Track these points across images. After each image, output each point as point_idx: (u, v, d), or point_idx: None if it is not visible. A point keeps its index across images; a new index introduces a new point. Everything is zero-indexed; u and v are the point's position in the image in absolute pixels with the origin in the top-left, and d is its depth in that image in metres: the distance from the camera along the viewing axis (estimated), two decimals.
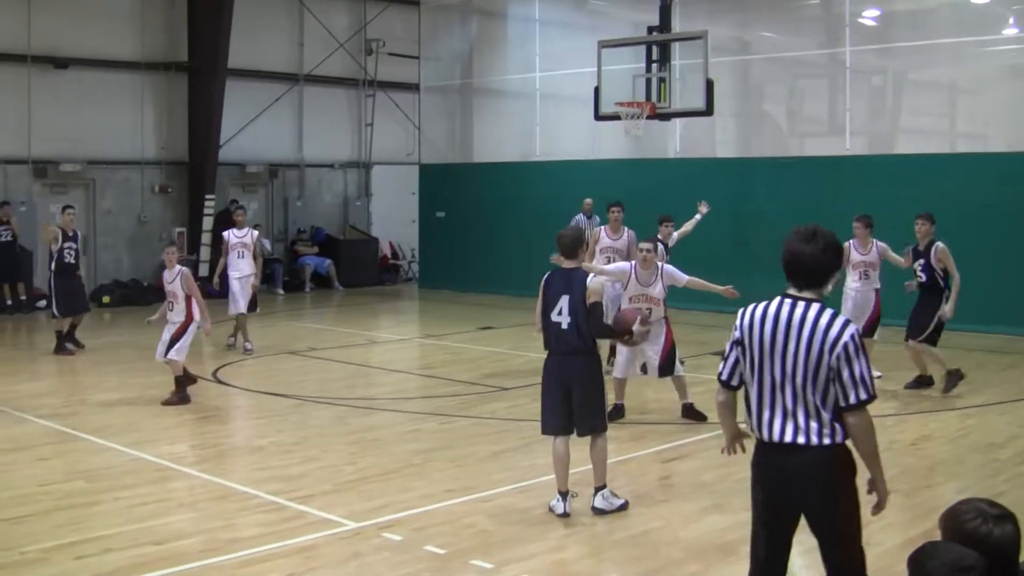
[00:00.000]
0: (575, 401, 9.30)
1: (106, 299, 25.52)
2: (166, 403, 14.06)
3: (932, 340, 14.71)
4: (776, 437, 5.68)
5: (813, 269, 5.70)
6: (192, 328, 14.45)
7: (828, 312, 5.64)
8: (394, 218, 32.47)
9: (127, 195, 27.32)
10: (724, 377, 5.99)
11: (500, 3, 30.52)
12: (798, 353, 5.60)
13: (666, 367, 12.95)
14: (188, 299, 14.43)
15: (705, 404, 12.65)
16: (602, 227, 16.57)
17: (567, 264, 9.57)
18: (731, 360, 5.94)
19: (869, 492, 5.74)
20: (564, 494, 9.40)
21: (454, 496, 9.96)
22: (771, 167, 23.96)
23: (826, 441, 5.59)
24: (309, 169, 31.46)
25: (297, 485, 10.32)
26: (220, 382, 15.84)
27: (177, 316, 14.41)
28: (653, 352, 12.83)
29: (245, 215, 19.74)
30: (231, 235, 18.95)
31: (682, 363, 13.37)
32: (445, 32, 31.37)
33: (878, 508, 5.76)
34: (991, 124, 22.04)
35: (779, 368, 5.66)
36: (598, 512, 9.40)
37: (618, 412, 12.92)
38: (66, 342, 18.43)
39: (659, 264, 13.10)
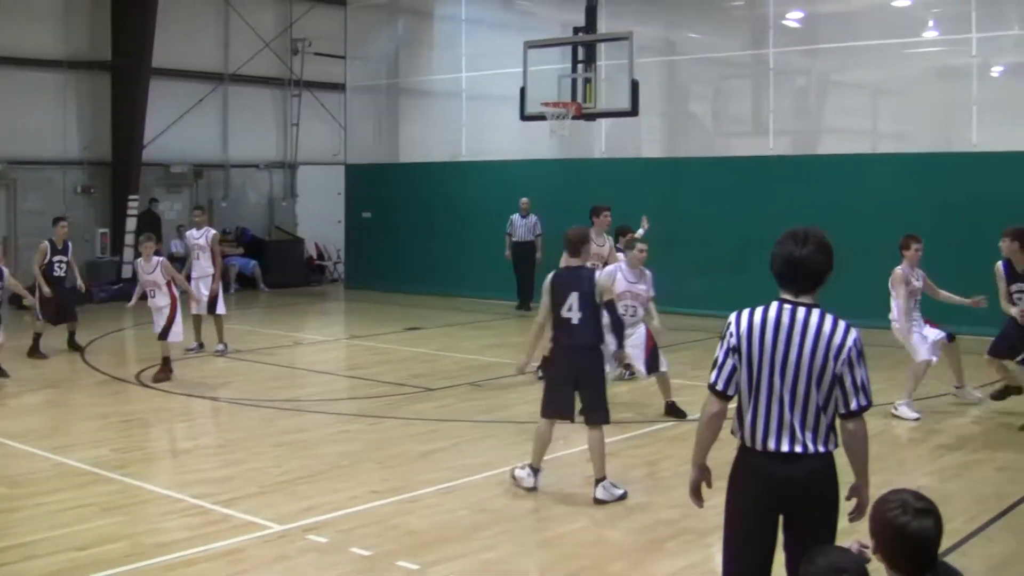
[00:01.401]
0: (584, 392, 9.87)
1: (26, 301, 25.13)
2: (156, 380, 15.63)
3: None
4: (772, 447, 5.50)
5: (809, 273, 5.55)
6: (179, 309, 16.23)
7: (830, 317, 5.52)
8: (320, 219, 32.28)
9: (49, 196, 26.88)
10: (720, 387, 5.62)
11: (427, 3, 30.47)
12: (801, 360, 5.45)
13: (652, 364, 13.27)
14: (169, 284, 16.10)
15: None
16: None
17: (572, 262, 10.09)
18: (727, 368, 5.60)
19: (848, 499, 5.68)
20: (537, 470, 10.03)
21: (381, 497, 9.91)
22: (697, 167, 24.09)
23: (821, 449, 5.50)
24: (234, 169, 31.24)
25: (223, 488, 10.23)
26: (144, 385, 15.67)
27: (162, 301, 16.03)
28: (637, 352, 13.11)
29: (204, 215, 19.54)
30: (190, 236, 18.98)
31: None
32: (372, 32, 31.27)
33: (859, 514, 5.70)
34: (914, 124, 22.29)
35: (779, 376, 5.48)
36: (600, 503, 9.64)
37: None
38: (70, 346, 18.69)
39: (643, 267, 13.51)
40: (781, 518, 5.58)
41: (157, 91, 27.62)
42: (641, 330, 13.30)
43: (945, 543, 7.68)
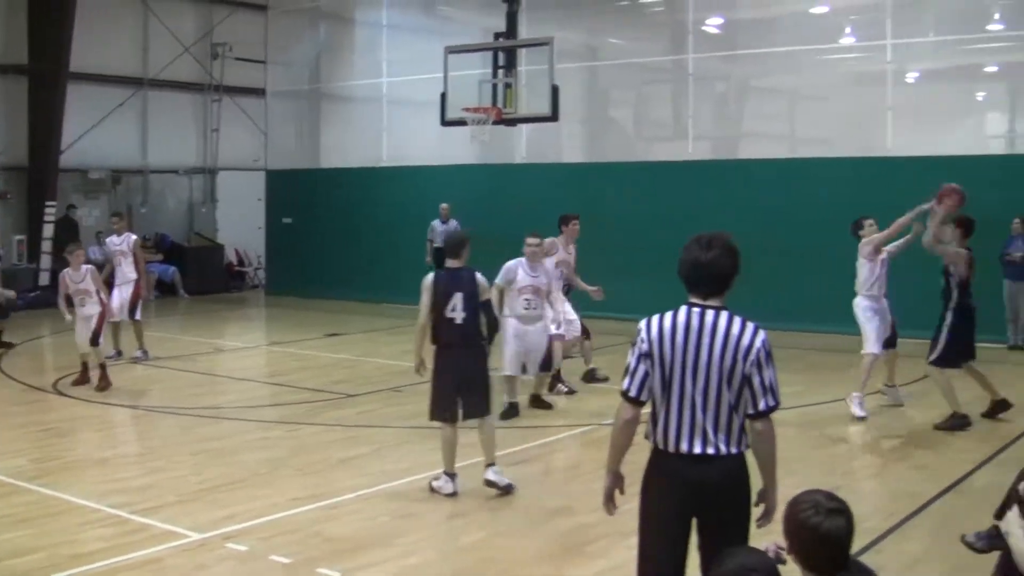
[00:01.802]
0: (468, 389, 10.18)
1: None
2: (100, 389, 15.51)
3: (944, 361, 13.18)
4: (684, 448, 5.55)
5: (715, 276, 5.63)
6: (106, 316, 16.34)
7: (738, 319, 5.59)
8: (240, 224, 32.04)
9: None
10: (633, 393, 5.63)
11: (348, 8, 30.40)
12: (711, 362, 5.51)
13: (547, 363, 13.86)
14: (98, 292, 16.11)
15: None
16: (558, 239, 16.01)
17: (453, 263, 10.40)
18: (640, 374, 5.62)
19: (756, 504, 5.73)
20: (453, 475, 10.18)
21: (301, 504, 9.86)
22: (618, 171, 24.20)
23: (733, 450, 5.56)
24: (154, 175, 30.95)
25: (141, 497, 10.13)
26: (61, 394, 15.48)
27: (92, 309, 15.96)
28: (537, 348, 13.59)
29: (122, 221, 19.34)
30: (110, 243, 18.88)
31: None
32: (293, 37, 31.12)
33: (766, 520, 5.75)
34: (831, 130, 22.58)
35: (691, 379, 5.53)
36: (490, 484, 10.14)
37: (513, 410, 13.52)
38: None
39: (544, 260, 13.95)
40: (695, 520, 5.62)
41: (75, 95, 27.30)
42: (540, 328, 13.67)
43: (861, 541, 7.82)
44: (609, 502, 5.92)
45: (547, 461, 11.57)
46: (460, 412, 10.16)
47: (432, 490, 10.18)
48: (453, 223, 23.57)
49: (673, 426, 5.57)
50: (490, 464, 10.24)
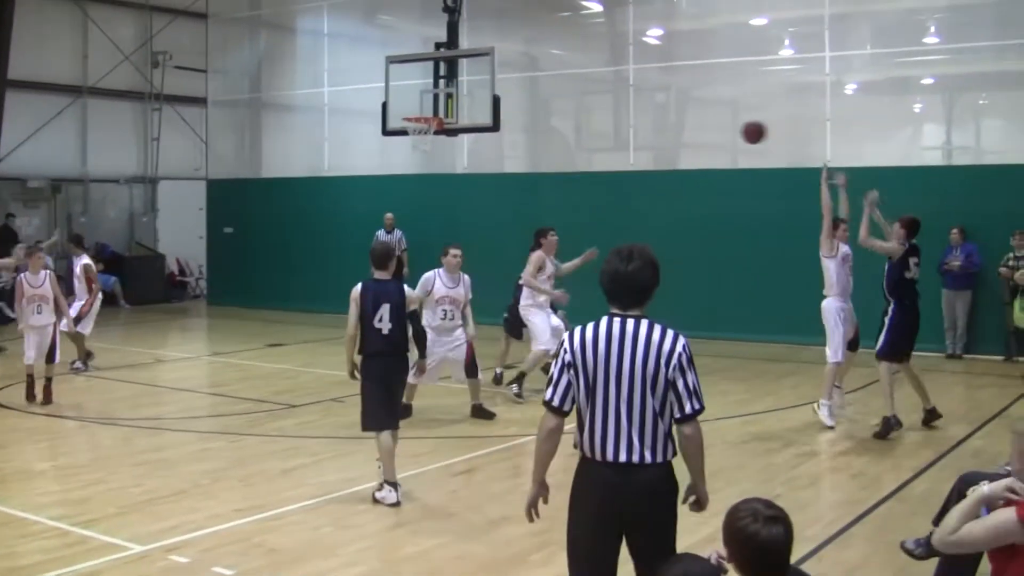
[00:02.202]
0: (395, 396, 10.67)
1: None
2: (44, 403, 15.18)
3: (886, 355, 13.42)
4: (610, 457, 5.64)
5: (635, 288, 5.74)
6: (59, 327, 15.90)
7: (658, 326, 5.69)
8: (181, 234, 31.85)
9: None
10: (556, 403, 5.75)
11: (289, 17, 30.32)
12: (634, 369, 5.61)
13: (471, 369, 14.20)
14: (56, 299, 15.71)
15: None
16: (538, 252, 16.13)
17: (379, 275, 10.64)
18: (562, 385, 5.74)
19: (684, 501, 5.85)
20: (395, 484, 10.24)
21: (243, 515, 9.82)
22: (559, 182, 24.30)
23: (659, 459, 5.65)
24: (94, 184, 30.71)
25: (81, 509, 10.06)
26: (0, 405, 15.34)
27: (47, 318, 15.54)
28: (456, 357, 13.93)
29: (78, 247, 19.11)
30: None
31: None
32: (233, 45, 31.04)
33: (699, 506, 5.94)
34: (772, 140, 22.67)
35: (614, 386, 5.64)
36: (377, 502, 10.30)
37: (407, 411, 13.54)
38: None
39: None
40: (624, 528, 5.71)
41: (12, 103, 27.09)
42: (462, 336, 13.99)
43: (801, 549, 7.91)
44: (532, 510, 6.01)
45: (490, 471, 11.58)
46: (394, 420, 10.44)
47: (375, 500, 10.19)
48: (397, 233, 23.55)
49: (599, 434, 5.67)
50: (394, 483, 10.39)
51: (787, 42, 23.29)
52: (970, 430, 13.46)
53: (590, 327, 5.75)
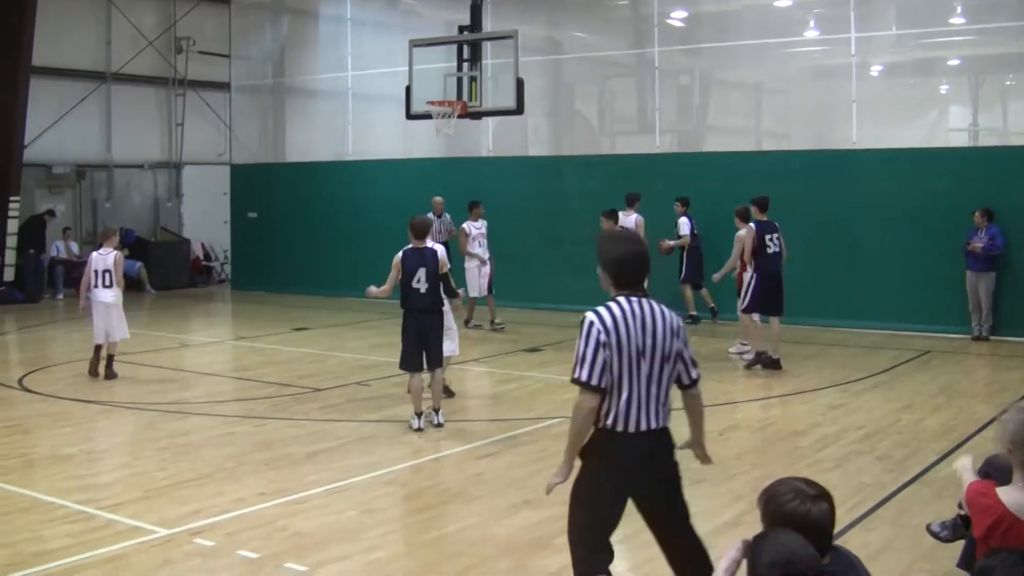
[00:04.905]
0: (429, 346, 12.51)
1: None
2: (108, 377, 16.06)
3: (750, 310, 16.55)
4: (644, 426, 6.04)
5: (646, 269, 6.27)
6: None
7: (662, 304, 6.21)
8: (206, 219, 32.01)
9: None
10: (595, 382, 5.97)
11: (311, 2, 30.33)
12: (655, 343, 6.05)
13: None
14: (116, 282, 16.21)
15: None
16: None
17: (418, 244, 12.57)
18: (599, 364, 5.98)
19: (683, 446, 6.46)
20: (420, 414, 12.50)
21: (267, 499, 9.86)
22: (583, 165, 24.28)
23: (668, 423, 6.20)
24: (118, 170, 30.82)
25: (106, 493, 10.11)
26: (27, 390, 15.42)
27: (109, 295, 16.11)
28: (452, 345, 13.93)
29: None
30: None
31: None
32: (256, 31, 31.05)
33: (703, 455, 6.68)
34: (795, 123, 22.71)
35: (647, 360, 6.04)
36: (440, 426, 12.58)
37: (449, 394, 14.10)
38: None
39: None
40: (638, 493, 6.14)
41: (37, 91, 27.09)
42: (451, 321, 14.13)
43: None
44: (565, 474, 6.30)
45: (514, 455, 11.57)
46: (424, 363, 12.50)
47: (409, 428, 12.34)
48: (446, 217, 22.49)
49: (635, 407, 6.04)
50: (437, 409, 12.70)
51: (812, 23, 23.15)
52: (995, 412, 13.38)
53: (616, 307, 6.07)
